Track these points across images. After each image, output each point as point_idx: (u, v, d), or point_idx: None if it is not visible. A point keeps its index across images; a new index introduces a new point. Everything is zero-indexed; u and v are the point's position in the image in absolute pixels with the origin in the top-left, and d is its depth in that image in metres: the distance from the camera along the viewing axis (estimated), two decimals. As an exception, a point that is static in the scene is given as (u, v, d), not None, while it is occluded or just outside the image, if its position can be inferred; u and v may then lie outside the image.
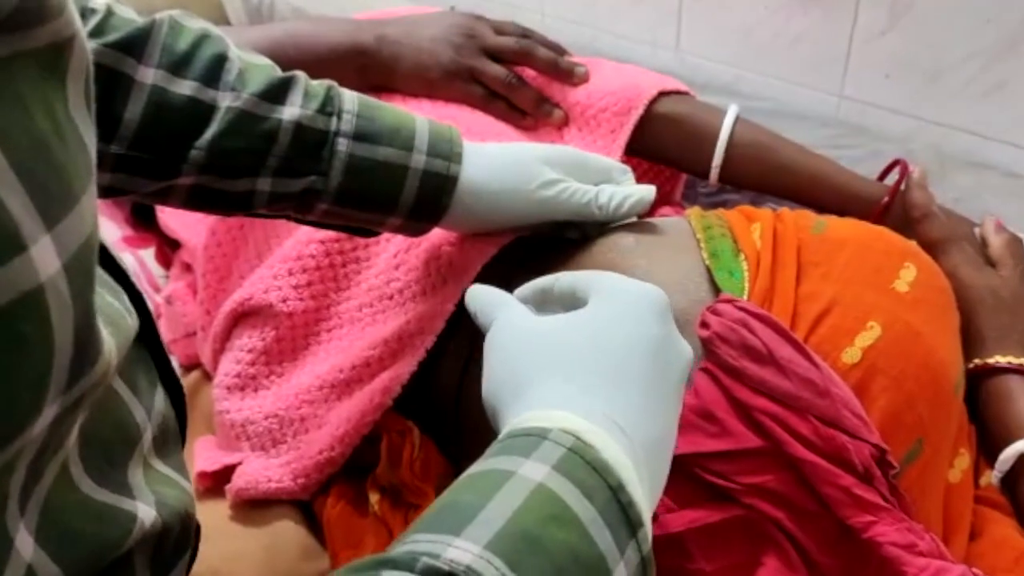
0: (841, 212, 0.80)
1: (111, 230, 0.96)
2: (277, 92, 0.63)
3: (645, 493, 0.42)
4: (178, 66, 0.60)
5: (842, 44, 1.11)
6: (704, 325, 0.61)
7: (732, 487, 0.58)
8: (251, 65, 0.63)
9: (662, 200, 0.95)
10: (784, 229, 0.68)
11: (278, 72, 0.64)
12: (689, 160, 0.87)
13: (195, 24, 0.63)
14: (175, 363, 0.91)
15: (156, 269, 0.96)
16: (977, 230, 0.80)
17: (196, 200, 0.64)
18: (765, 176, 0.85)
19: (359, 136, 0.64)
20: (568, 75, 0.88)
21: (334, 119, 0.64)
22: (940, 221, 0.77)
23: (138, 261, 0.95)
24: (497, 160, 0.68)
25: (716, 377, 0.59)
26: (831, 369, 0.59)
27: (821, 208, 0.82)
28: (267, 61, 0.65)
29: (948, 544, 0.64)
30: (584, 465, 0.40)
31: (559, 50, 0.91)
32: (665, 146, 0.88)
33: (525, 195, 0.68)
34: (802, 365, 0.58)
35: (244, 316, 0.80)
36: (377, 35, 0.85)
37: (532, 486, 0.38)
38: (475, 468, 0.41)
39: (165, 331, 0.92)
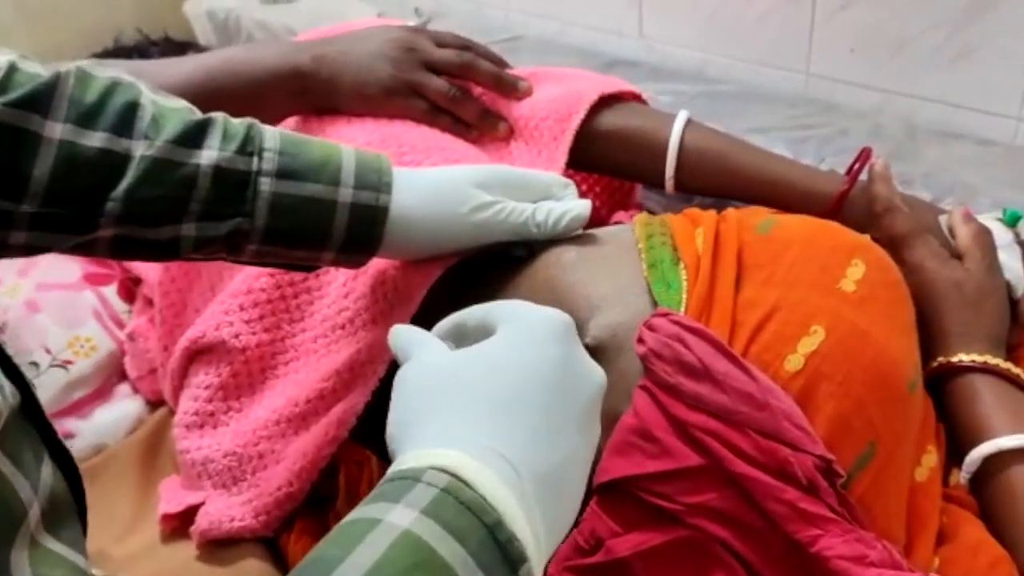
0: (802, 211, 0.78)
1: (72, 267, 0.95)
2: (194, 136, 0.62)
3: (537, 526, 0.41)
4: (87, 118, 0.59)
5: (805, 21, 1.09)
6: (640, 341, 0.59)
7: (675, 508, 0.56)
8: (166, 110, 0.62)
9: (618, 204, 0.93)
10: (727, 231, 0.67)
11: (196, 115, 0.63)
12: (643, 173, 0.85)
13: (105, 73, 0.62)
14: (141, 401, 0.91)
15: (119, 305, 0.96)
16: (944, 218, 0.77)
17: (121, 250, 0.63)
18: (720, 183, 0.82)
19: (282, 174, 0.63)
20: (511, 89, 0.86)
21: (255, 159, 0.62)
22: (903, 215, 0.75)
23: (99, 298, 0.95)
24: (428, 186, 0.67)
25: (654, 395, 0.58)
26: (771, 380, 0.58)
27: (783, 208, 0.80)
28: (184, 104, 0.64)
29: (914, 544, 0.63)
30: (457, 505, 0.39)
31: (501, 63, 0.89)
32: (617, 161, 0.86)
33: (458, 220, 0.66)
34: (739, 379, 0.56)
35: (198, 353, 0.80)
36: (314, 56, 0.83)
37: (396, 534, 0.37)
38: (348, 517, 0.40)
39: (131, 368, 0.92)
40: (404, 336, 0.53)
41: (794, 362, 0.59)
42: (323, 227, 0.64)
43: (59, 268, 0.94)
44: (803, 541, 0.55)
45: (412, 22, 1.43)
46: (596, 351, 0.63)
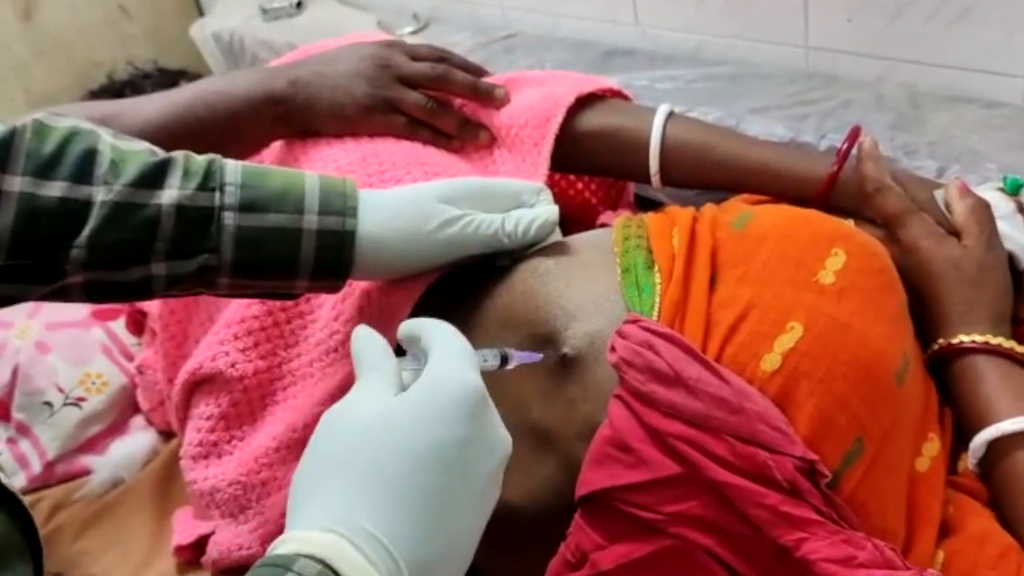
0: (789, 197, 0.76)
1: (79, 305, 0.97)
2: (153, 177, 0.62)
3: None
4: (45, 169, 0.60)
5: (798, -8, 1.05)
6: (612, 349, 0.58)
7: (656, 518, 0.55)
8: (125, 154, 0.62)
9: (610, 204, 0.92)
10: (702, 229, 0.65)
11: (156, 156, 0.63)
12: (629, 170, 0.84)
13: (63, 123, 0.62)
14: (155, 432, 0.92)
15: (128, 338, 0.97)
16: (940, 193, 0.74)
17: (95, 294, 0.64)
18: (707, 174, 0.80)
19: (245, 207, 0.63)
20: (488, 97, 0.85)
21: (217, 194, 0.63)
22: (896, 193, 0.72)
23: (108, 333, 0.96)
24: (393, 206, 0.66)
25: (628, 404, 0.57)
26: (746, 382, 0.56)
27: (775, 195, 0.78)
28: (144, 146, 0.64)
29: (915, 538, 0.61)
30: None
31: (478, 71, 0.88)
32: (602, 161, 0.85)
33: (426, 237, 0.66)
34: (711, 383, 0.55)
35: (198, 385, 0.81)
36: (289, 80, 0.83)
37: None
38: None
39: (143, 400, 0.93)
40: (362, 347, 0.51)
41: (771, 361, 0.57)
42: (291, 256, 0.64)
43: (67, 306, 0.96)
44: (788, 545, 0.53)
45: (410, 27, 1.44)
46: (575, 361, 0.62)
